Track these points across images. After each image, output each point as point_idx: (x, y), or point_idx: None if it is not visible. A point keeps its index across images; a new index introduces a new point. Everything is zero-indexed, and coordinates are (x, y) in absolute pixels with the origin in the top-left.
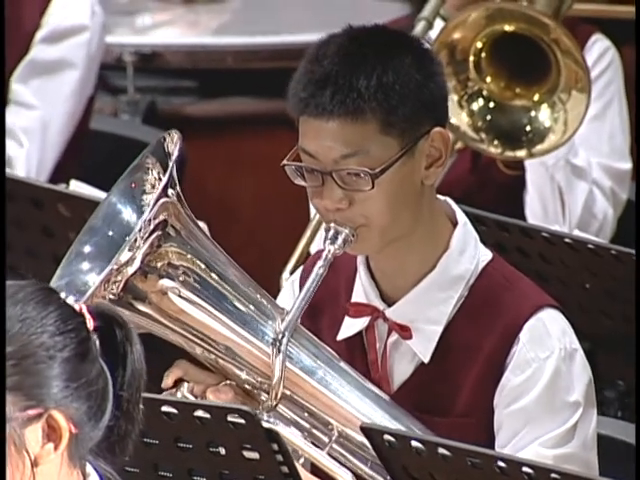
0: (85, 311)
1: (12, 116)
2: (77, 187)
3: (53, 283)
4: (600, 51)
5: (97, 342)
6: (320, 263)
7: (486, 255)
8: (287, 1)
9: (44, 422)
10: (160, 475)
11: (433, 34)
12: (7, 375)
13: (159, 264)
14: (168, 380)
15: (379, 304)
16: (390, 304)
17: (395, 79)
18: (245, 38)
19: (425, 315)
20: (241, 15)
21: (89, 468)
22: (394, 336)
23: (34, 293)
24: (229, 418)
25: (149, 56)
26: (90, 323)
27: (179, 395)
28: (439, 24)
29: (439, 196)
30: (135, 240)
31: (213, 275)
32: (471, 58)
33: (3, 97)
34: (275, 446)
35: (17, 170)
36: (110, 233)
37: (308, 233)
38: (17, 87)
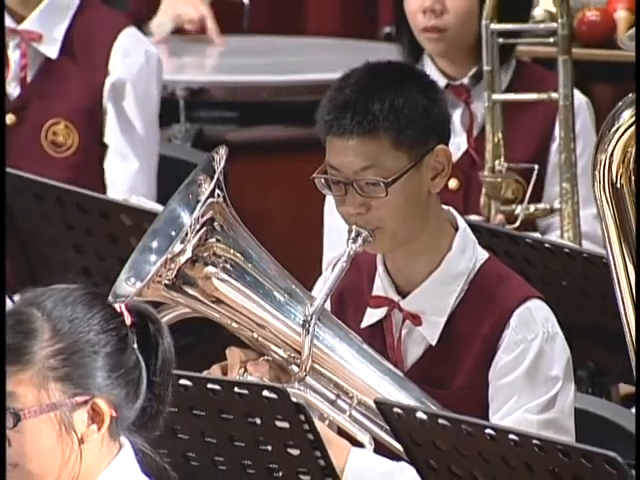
0: (124, 309)
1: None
2: (137, 200)
3: (124, 273)
4: (575, 109)
5: (134, 336)
6: (343, 258)
7: (483, 255)
8: (311, 45)
9: (89, 407)
10: (206, 441)
11: None
12: (58, 367)
13: (206, 254)
14: (234, 369)
15: (395, 296)
16: (404, 296)
17: (404, 104)
18: (278, 76)
19: (432, 305)
20: (274, 57)
21: (123, 438)
22: (407, 324)
23: (82, 297)
24: (264, 393)
25: (197, 91)
26: (128, 319)
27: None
28: None
29: (442, 205)
30: (186, 234)
31: (251, 264)
32: None
33: (3, 97)
34: (302, 417)
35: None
36: (172, 233)
37: None
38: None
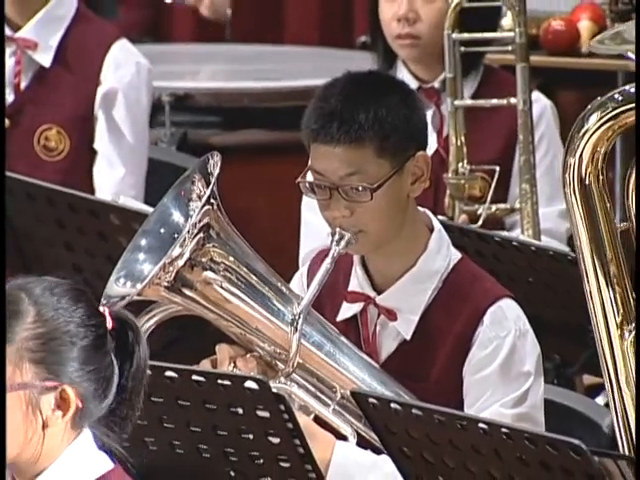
0: (107, 314)
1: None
2: (125, 201)
3: (115, 272)
4: (539, 112)
5: (112, 340)
6: (328, 260)
7: (456, 255)
8: (290, 53)
9: (57, 393)
10: (191, 430)
11: None
12: (35, 350)
13: (203, 259)
14: (224, 364)
15: (371, 293)
16: (380, 293)
17: (387, 113)
18: (259, 83)
19: (407, 302)
20: (255, 64)
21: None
22: (382, 318)
23: (69, 290)
24: (246, 384)
25: (182, 97)
26: (109, 324)
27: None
28: None
29: (418, 207)
30: (184, 239)
31: (245, 268)
32: None
33: (3, 101)
34: (282, 407)
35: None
36: (162, 231)
37: None
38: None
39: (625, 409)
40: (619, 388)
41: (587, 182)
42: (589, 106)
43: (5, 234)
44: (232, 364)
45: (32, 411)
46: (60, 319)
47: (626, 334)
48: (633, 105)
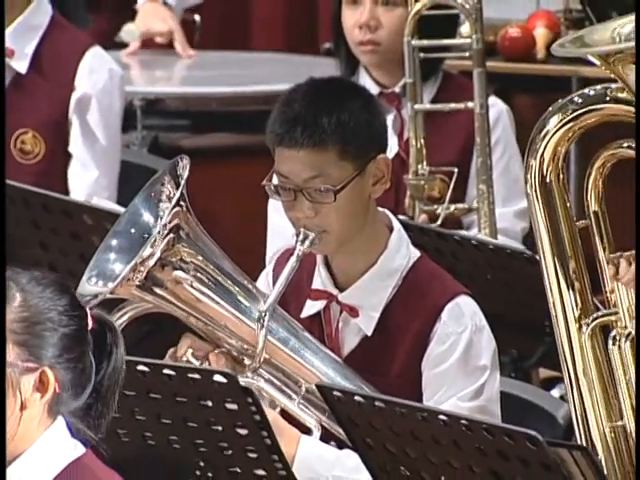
0: (89, 314)
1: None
2: (98, 201)
3: (87, 272)
4: (496, 116)
5: (91, 338)
6: (293, 259)
7: (415, 254)
8: (257, 59)
9: (37, 375)
10: (162, 422)
11: None
12: (19, 332)
13: (173, 259)
14: (182, 350)
15: (333, 290)
16: (342, 290)
17: (349, 118)
18: (227, 87)
19: (368, 299)
20: (223, 70)
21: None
22: (344, 315)
23: (54, 283)
24: (214, 378)
25: (153, 101)
26: (90, 324)
27: (184, 359)
28: None
29: (378, 208)
30: (155, 240)
31: (213, 267)
32: None
33: (3, 96)
34: (250, 399)
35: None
36: (132, 231)
37: None
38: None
39: (582, 399)
40: (577, 379)
41: (548, 180)
42: (550, 108)
43: (5, 234)
44: (189, 354)
45: (12, 390)
46: (44, 306)
47: (584, 328)
48: (592, 107)
